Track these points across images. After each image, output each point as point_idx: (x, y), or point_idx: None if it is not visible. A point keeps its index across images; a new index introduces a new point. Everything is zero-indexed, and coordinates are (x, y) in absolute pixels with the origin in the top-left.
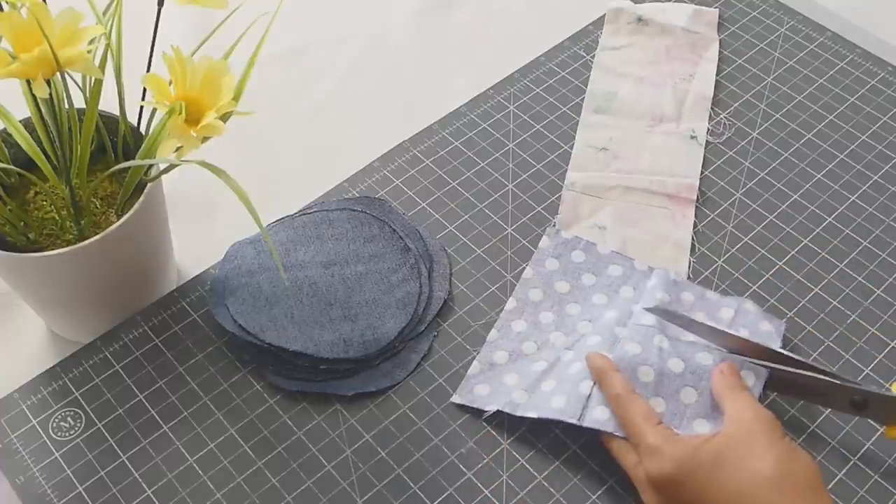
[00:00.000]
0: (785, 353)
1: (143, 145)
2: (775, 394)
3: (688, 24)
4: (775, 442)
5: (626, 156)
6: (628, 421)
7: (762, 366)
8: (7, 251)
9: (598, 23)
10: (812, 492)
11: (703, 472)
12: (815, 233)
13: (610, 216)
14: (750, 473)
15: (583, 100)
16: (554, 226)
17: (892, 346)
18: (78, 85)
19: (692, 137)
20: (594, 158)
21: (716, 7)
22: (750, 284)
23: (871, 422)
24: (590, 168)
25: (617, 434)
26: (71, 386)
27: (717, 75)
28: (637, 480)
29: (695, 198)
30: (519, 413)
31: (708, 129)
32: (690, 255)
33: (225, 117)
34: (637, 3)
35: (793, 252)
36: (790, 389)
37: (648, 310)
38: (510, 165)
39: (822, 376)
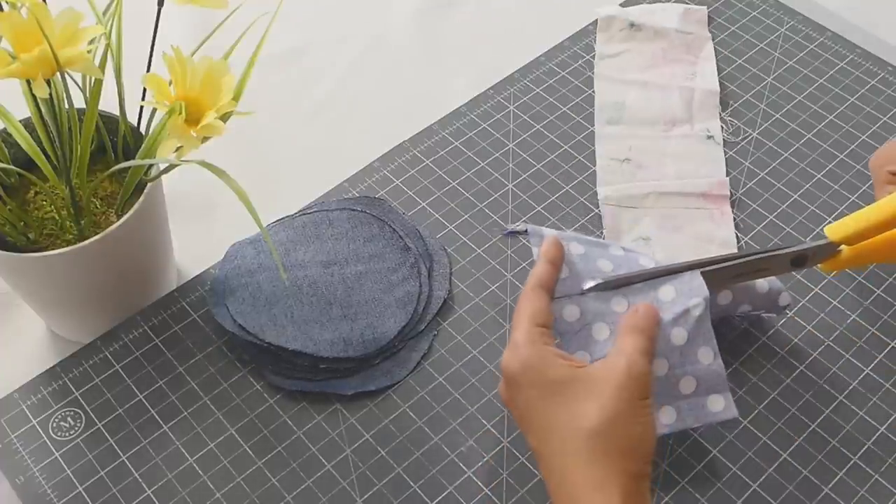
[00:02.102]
0: (719, 257)
1: (143, 145)
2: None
3: (679, 24)
4: (621, 398)
5: (649, 164)
6: (515, 312)
7: (702, 266)
8: (7, 251)
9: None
10: (627, 460)
11: (541, 388)
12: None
13: (651, 226)
14: (576, 413)
15: (583, 100)
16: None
17: (892, 346)
18: (78, 85)
19: (709, 137)
20: (619, 170)
21: (715, 5)
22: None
23: (816, 269)
24: (618, 180)
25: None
26: (71, 386)
27: (718, 73)
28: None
29: (728, 193)
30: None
31: (722, 128)
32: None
33: (225, 117)
34: (625, 7)
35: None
36: (738, 278)
37: (591, 288)
38: (510, 165)
39: (759, 255)
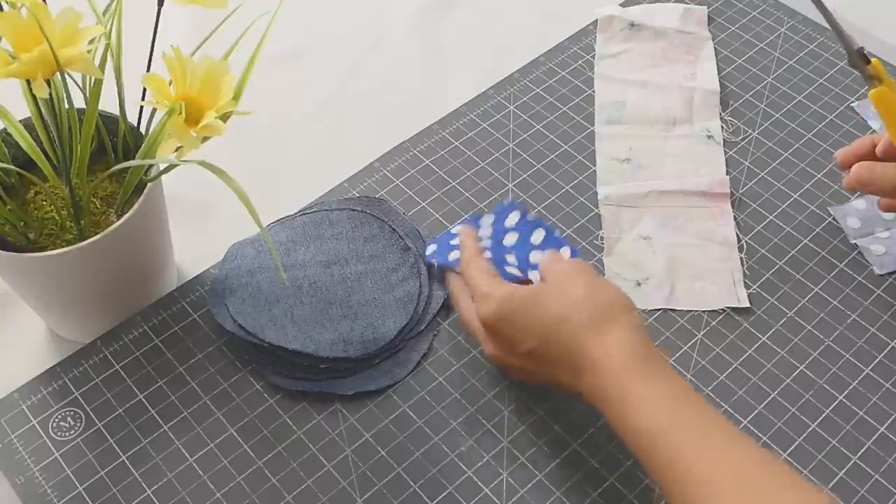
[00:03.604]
0: None
1: (143, 145)
2: None
3: (679, 24)
4: (586, 276)
5: (649, 164)
6: (468, 277)
7: None
8: (7, 251)
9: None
10: (621, 314)
11: (524, 307)
12: (815, 232)
13: (652, 225)
14: (563, 301)
15: (583, 100)
16: (600, 239)
17: (893, 346)
18: (78, 85)
19: (709, 137)
20: (619, 170)
21: (715, 5)
22: (750, 284)
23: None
24: (618, 180)
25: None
26: (71, 386)
27: (718, 73)
28: (478, 333)
29: (728, 192)
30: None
31: (722, 128)
32: (739, 252)
33: (225, 117)
34: (625, 7)
35: (793, 252)
36: None
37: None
38: (510, 165)
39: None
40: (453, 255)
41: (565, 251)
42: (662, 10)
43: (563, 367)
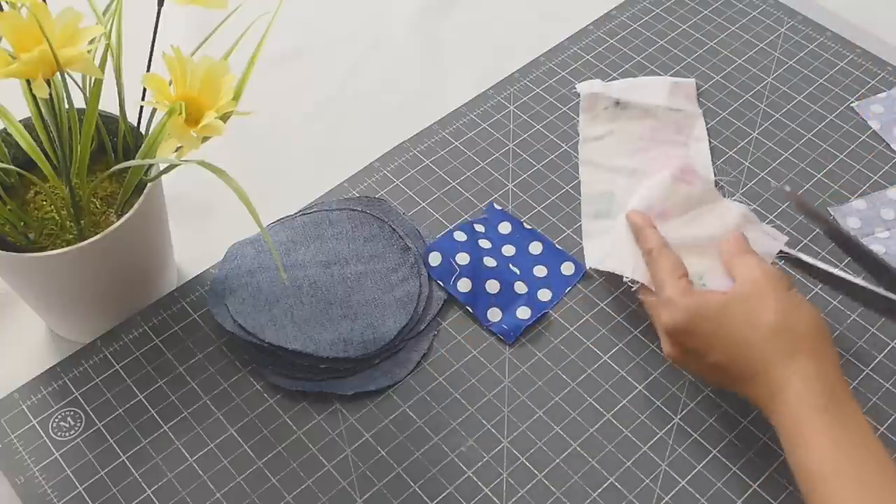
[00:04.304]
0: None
1: (143, 145)
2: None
3: (668, 101)
4: (779, 294)
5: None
6: (654, 274)
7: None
8: (7, 251)
9: (598, 22)
10: (812, 341)
11: (711, 323)
12: (815, 232)
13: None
14: (754, 322)
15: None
16: None
17: (893, 346)
18: (78, 85)
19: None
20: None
21: (715, 5)
22: None
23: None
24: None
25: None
26: (71, 386)
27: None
28: (658, 330)
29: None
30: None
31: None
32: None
33: (225, 117)
34: (609, 83)
35: (793, 252)
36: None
37: None
38: (510, 165)
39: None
40: (460, 257)
41: (568, 266)
42: (649, 85)
43: (745, 385)
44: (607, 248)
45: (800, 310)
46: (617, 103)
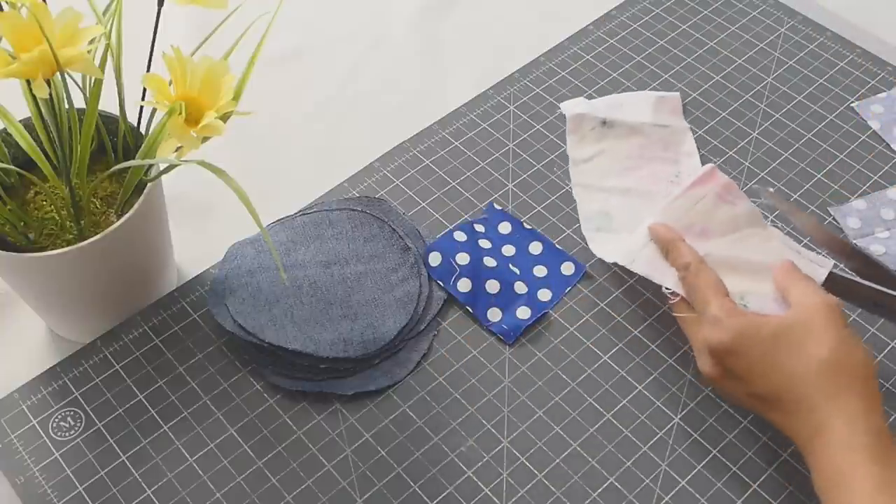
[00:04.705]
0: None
1: (143, 145)
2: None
3: (653, 117)
4: (835, 329)
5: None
6: (695, 289)
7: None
8: (7, 251)
9: (598, 22)
10: (861, 382)
11: (760, 348)
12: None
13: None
14: (805, 355)
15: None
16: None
17: (893, 346)
18: (78, 85)
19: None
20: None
21: (715, 5)
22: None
23: None
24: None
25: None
26: (71, 386)
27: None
28: (696, 347)
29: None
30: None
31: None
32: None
33: (225, 117)
34: (592, 101)
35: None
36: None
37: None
38: (510, 165)
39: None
40: (460, 257)
41: (568, 266)
42: (633, 102)
43: (784, 417)
44: (621, 247)
45: (855, 351)
46: (603, 123)
